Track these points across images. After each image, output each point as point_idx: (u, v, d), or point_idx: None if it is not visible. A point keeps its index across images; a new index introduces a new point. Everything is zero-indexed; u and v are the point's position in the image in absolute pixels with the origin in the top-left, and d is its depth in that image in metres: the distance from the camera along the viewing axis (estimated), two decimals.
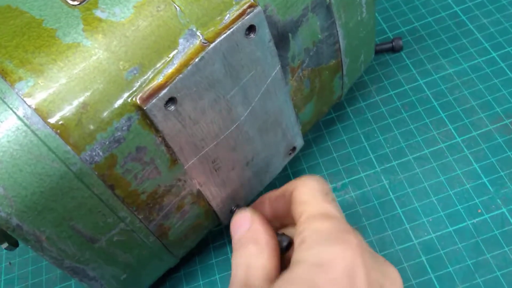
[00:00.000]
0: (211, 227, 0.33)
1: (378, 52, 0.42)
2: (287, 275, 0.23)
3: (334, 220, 0.24)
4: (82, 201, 0.24)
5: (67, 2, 0.24)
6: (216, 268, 0.35)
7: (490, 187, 0.34)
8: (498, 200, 0.33)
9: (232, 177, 0.31)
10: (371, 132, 0.39)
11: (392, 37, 0.43)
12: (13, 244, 0.30)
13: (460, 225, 0.33)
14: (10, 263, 0.40)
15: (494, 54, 0.40)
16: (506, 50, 0.40)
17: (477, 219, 0.33)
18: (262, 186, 0.34)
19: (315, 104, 0.34)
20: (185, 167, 0.27)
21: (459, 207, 0.34)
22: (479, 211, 0.33)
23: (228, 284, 0.34)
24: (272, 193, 0.29)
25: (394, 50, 0.42)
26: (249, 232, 0.27)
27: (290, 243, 0.29)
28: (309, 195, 0.25)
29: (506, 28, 0.41)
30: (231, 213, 0.32)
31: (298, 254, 0.23)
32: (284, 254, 0.28)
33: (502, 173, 0.34)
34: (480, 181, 0.34)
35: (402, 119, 0.39)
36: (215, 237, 0.37)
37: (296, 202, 0.26)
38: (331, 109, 0.41)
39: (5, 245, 0.30)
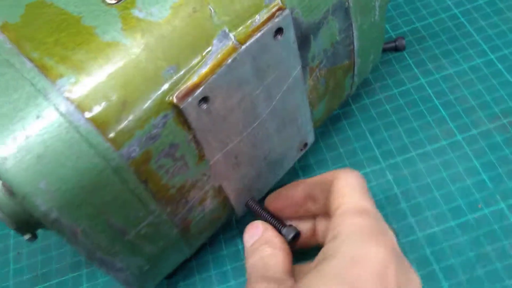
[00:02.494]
0: (226, 220, 0.34)
1: (382, 51, 0.44)
2: (320, 267, 0.24)
3: (371, 218, 0.25)
4: (117, 195, 0.25)
5: (104, 1, 0.24)
6: (227, 260, 0.36)
7: (489, 183, 0.36)
8: (497, 196, 0.35)
9: (251, 171, 0.32)
10: (376, 128, 0.40)
11: (394, 37, 0.45)
12: (34, 235, 0.31)
13: (462, 219, 0.35)
14: (18, 253, 0.40)
15: (492, 56, 0.42)
16: (503, 52, 0.42)
17: (477, 214, 0.35)
18: (276, 180, 0.35)
19: (327, 102, 0.35)
20: (211, 163, 0.28)
21: (460, 202, 0.36)
22: (480, 206, 0.35)
23: (239, 275, 0.35)
24: (310, 178, 0.30)
25: (397, 49, 0.44)
26: (262, 238, 0.30)
27: (297, 235, 0.31)
28: (349, 189, 0.26)
29: (504, 31, 0.43)
30: (246, 205, 0.34)
31: (332, 247, 0.24)
32: (291, 244, 0.30)
33: (500, 170, 0.36)
34: (480, 177, 0.36)
35: (406, 117, 0.40)
36: (225, 229, 0.38)
37: (335, 193, 0.26)
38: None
39: (28, 236, 0.30)
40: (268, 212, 0.33)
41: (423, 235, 0.35)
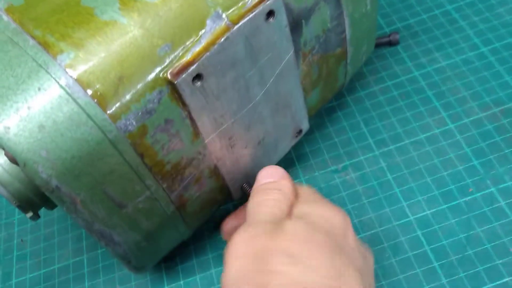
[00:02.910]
0: (222, 203, 0.35)
1: (376, 45, 0.45)
2: (303, 217, 0.28)
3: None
4: (114, 167, 0.26)
5: None
6: (224, 242, 0.37)
7: (480, 169, 0.37)
8: (488, 181, 0.36)
9: (245, 155, 0.33)
10: (370, 119, 0.41)
11: (389, 32, 0.46)
12: (37, 214, 0.32)
13: (453, 203, 0.36)
14: (22, 240, 0.41)
15: (484, 49, 0.43)
16: (495, 45, 0.43)
17: (468, 197, 0.36)
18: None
19: (321, 90, 0.36)
20: (206, 141, 0.29)
21: (452, 186, 0.36)
22: (470, 190, 0.36)
23: None
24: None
25: (391, 44, 0.45)
26: (277, 184, 0.30)
27: None
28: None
29: (495, 26, 0.44)
30: (242, 189, 0.35)
31: (307, 207, 0.28)
32: None
33: (491, 156, 0.37)
34: (471, 163, 0.37)
35: (399, 107, 0.41)
36: (223, 213, 0.39)
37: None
38: (332, 98, 0.43)
39: (30, 214, 0.31)
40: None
41: (415, 218, 0.35)
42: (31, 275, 0.39)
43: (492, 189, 0.36)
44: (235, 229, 0.28)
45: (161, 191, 0.29)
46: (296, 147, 0.41)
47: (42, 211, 0.42)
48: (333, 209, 0.28)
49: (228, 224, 0.35)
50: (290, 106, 0.34)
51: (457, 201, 0.36)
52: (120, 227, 0.28)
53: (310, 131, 0.42)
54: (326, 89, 0.37)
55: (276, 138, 0.35)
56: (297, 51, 0.32)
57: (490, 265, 0.33)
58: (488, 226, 0.34)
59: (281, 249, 0.25)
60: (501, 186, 0.36)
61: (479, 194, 0.36)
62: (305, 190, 0.31)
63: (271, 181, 0.31)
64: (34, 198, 0.30)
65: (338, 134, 0.41)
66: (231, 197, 0.35)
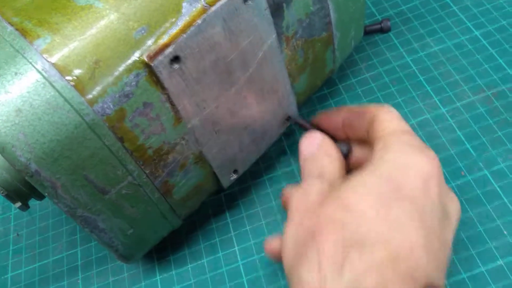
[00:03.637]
0: (212, 191, 0.35)
1: (368, 33, 0.45)
2: (370, 168, 0.25)
3: (416, 137, 0.27)
4: (94, 151, 0.26)
5: None
6: (216, 232, 0.37)
7: (472, 152, 0.36)
8: (480, 163, 0.36)
9: (231, 141, 0.33)
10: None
11: (381, 19, 0.46)
12: (25, 204, 0.32)
13: None
14: (18, 234, 0.42)
15: (476, 33, 0.43)
16: (487, 29, 0.43)
17: (461, 181, 0.35)
18: (259, 153, 0.36)
19: (309, 76, 0.36)
20: (188, 126, 0.29)
21: (444, 170, 0.36)
22: (463, 173, 0.35)
23: (227, 247, 0.36)
24: (352, 107, 0.31)
25: (382, 30, 0.45)
26: (321, 149, 0.30)
27: (350, 151, 0.31)
28: (393, 117, 0.28)
29: (488, 9, 0.44)
30: (231, 178, 0.35)
31: (380, 154, 0.26)
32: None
33: (483, 139, 0.37)
34: (463, 147, 0.37)
35: (391, 93, 0.41)
36: (214, 202, 0.39)
37: (379, 120, 0.28)
38: (324, 86, 0.43)
39: (18, 204, 0.32)
40: (318, 128, 0.33)
41: None
42: (26, 268, 0.39)
43: (485, 171, 0.35)
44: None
45: (144, 177, 0.29)
46: (289, 136, 0.41)
47: (38, 205, 0.42)
48: (416, 153, 0.25)
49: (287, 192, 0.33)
50: (277, 91, 0.34)
51: (449, 185, 0.35)
52: (104, 213, 0.28)
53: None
54: (314, 74, 0.37)
55: (263, 124, 0.34)
56: (279, 35, 0.32)
57: (483, 248, 0.32)
58: (481, 209, 0.34)
59: (336, 198, 0.25)
60: (494, 168, 0.35)
61: (471, 177, 0.35)
62: (389, 118, 0.28)
63: (316, 148, 0.30)
64: (21, 187, 0.30)
65: None
66: (220, 185, 0.35)
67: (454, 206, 0.26)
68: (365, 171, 0.26)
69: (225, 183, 0.34)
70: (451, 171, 0.36)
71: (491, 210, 0.34)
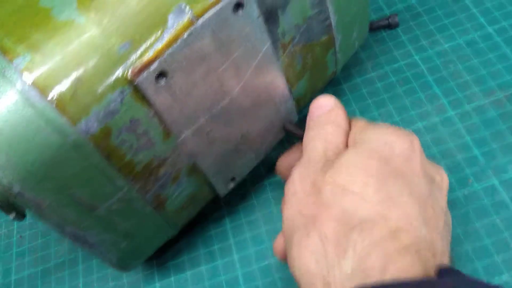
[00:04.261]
0: (208, 199, 0.34)
1: (374, 29, 0.43)
2: (356, 146, 0.27)
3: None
4: (80, 170, 0.25)
5: None
6: (215, 239, 0.37)
7: (481, 159, 0.35)
8: (489, 171, 0.34)
9: (227, 150, 0.32)
10: (366, 107, 0.39)
11: (389, 14, 0.44)
12: (21, 214, 0.32)
13: (451, 195, 0.34)
14: (21, 236, 0.42)
15: (489, 29, 0.40)
16: (501, 24, 0.40)
17: (468, 189, 0.34)
18: (258, 159, 0.35)
19: (308, 80, 0.35)
20: (179, 139, 0.28)
21: (450, 177, 0.34)
22: (470, 181, 0.34)
23: (226, 255, 0.35)
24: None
25: (390, 26, 0.43)
26: (330, 115, 0.30)
27: None
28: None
29: (502, 3, 0.41)
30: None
31: (366, 133, 0.27)
32: None
33: (494, 146, 0.35)
34: (472, 153, 0.35)
35: (397, 94, 0.39)
36: (214, 210, 0.38)
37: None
38: (328, 86, 0.41)
39: (13, 214, 0.31)
40: None
41: None
42: (29, 271, 0.40)
43: (495, 180, 0.34)
44: (291, 166, 0.29)
45: (135, 192, 0.28)
46: (291, 138, 0.40)
47: None
48: (394, 133, 0.27)
49: (284, 162, 0.34)
50: (274, 98, 0.32)
51: (455, 193, 0.34)
52: (94, 229, 0.28)
53: (304, 122, 0.40)
54: (314, 78, 0.35)
55: (261, 131, 0.33)
56: (275, 42, 0.30)
57: (489, 260, 0.31)
58: (487, 220, 0.32)
59: (331, 181, 0.25)
60: (504, 177, 0.34)
61: (479, 186, 0.34)
62: (360, 120, 0.30)
63: (324, 113, 0.30)
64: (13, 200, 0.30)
65: None
66: (217, 193, 0.34)
67: (440, 174, 0.27)
68: (352, 150, 0.26)
69: (222, 191, 0.34)
70: (458, 179, 0.34)
71: (498, 221, 0.32)
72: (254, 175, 0.38)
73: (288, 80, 0.33)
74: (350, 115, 0.39)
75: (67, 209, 0.26)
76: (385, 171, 0.25)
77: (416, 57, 0.41)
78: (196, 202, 0.33)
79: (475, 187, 0.34)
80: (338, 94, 0.41)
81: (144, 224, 0.30)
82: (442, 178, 0.27)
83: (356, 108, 0.39)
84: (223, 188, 0.34)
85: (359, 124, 0.29)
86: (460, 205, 0.33)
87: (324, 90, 0.41)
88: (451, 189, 0.34)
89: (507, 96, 0.37)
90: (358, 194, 0.24)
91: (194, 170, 0.31)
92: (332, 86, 0.41)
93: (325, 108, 0.30)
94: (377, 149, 0.26)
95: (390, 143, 0.26)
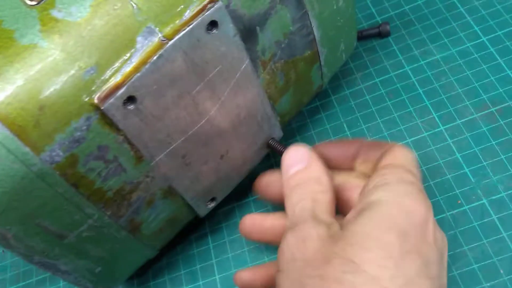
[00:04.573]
0: (188, 220, 0.33)
1: (365, 37, 0.42)
2: (370, 212, 0.24)
3: (416, 178, 0.25)
4: (46, 200, 0.24)
5: (25, 3, 0.24)
6: (197, 258, 0.36)
7: (471, 178, 0.33)
8: (479, 191, 0.33)
9: (206, 170, 0.31)
10: (354, 121, 0.38)
11: (380, 22, 0.42)
12: None
13: (439, 216, 0.32)
14: (3, 251, 0.41)
15: (484, 39, 0.39)
16: (496, 34, 0.39)
17: (456, 210, 0.32)
18: (241, 178, 0.34)
19: (292, 95, 0.34)
20: (152, 164, 0.27)
21: (439, 197, 0.33)
22: (459, 202, 0.33)
23: (208, 275, 0.34)
24: (367, 140, 0.30)
25: (381, 35, 0.41)
26: (310, 171, 0.27)
27: None
28: (404, 154, 0.27)
29: (499, 11, 0.40)
30: (268, 146, 0.33)
31: (381, 194, 0.24)
32: None
33: (484, 163, 0.34)
34: (461, 171, 0.34)
35: (386, 108, 0.38)
36: (196, 227, 0.37)
37: (391, 153, 0.27)
38: (315, 98, 0.40)
39: None
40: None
41: None
42: (11, 287, 0.39)
43: (484, 200, 0.32)
44: (271, 184, 0.28)
45: (106, 218, 0.27)
46: (276, 155, 0.39)
47: None
48: (413, 195, 0.24)
49: (262, 181, 0.32)
50: (255, 116, 0.31)
51: (443, 215, 0.33)
52: (65, 257, 0.27)
53: (291, 134, 0.39)
54: (299, 93, 0.34)
55: (243, 150, 0.32)
56: (254, 60, 0.29)
57: None
58: (476, 244, 0.31)
59: (341, 254, 0.23)
60: (494, 197, 0.32)
61: (468, 206, 0.32)
62: (388, 158, 0.27)
63: (303, 168, 0.27)
64: None
65: (320, 137, 0.38)
66: (197, 214, 0.33)
67: (445, 244, 0.25)
68: (365, 215, 0.24)
69: (202, 212, 0.33)
70: (447, 199, 0.33)
71: (487, 245, 0.31)
72: (238, 191, 0.37)
73: (270, 97, 0.32)
74: (338, 130, 0.38)
75: (34, 238, 0.25)
76: (404, 250, 0.22)
77: (407, 68, 0.39)
78: (175, 223, 0.32)
79: (464, 208, 0.32)
80: (326, 106, 0.39)
81: (119, 248, 0.29)
82: (446, 248, 0.25)
83: (344, 122, 0.38)
84: (203, 209, 0.33)
85: (389, 167, 0.26)
86: (448, 227, 0.32)
87: (312, 102, 0.40)
88: (439, 210, 0.33)
89: (498, 110, 0.35)
90: (373, 275, 0.22)
91: (170, 193, 0.30)
92: (320, 99, 0.40)
93: (301, 165, 0.27)
94: (396, 219, 0.23)
95: (411, 212, 0.23)
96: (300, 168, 0.28)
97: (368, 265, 0.22)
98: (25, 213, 0.24)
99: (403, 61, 0.40)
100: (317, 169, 0.27)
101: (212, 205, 0.33)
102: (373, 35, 0.41)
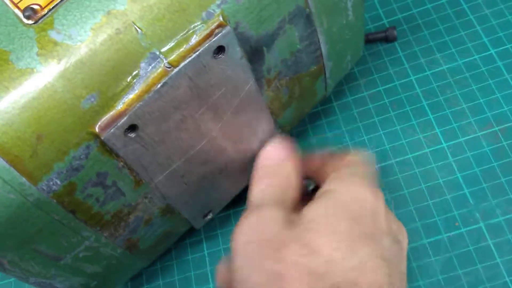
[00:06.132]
0: (184, 231, 0.33)
1: (371, 41, 0.40)
2: (324, 198, 0.25)
3: (368, 173, 0.27)
4: (42, 227, 0.24)
5: (22, 21, 0.22)
6: (192, 265, 0.36)
7: (470, 200, 0.33)
8: (477, 214, 0.33)
9: (205, 186, 0.30)
10: (355, 130, 0.37)
11: (387, 25, 0.41)
12: None
13: (436, 238, 0.33)
14: None
15: (492, 51, 0.38)
16: (505, 47, 0.38)
17: (453, 233, 0.33)
18: (238, 190, 0.33)
19: (295, 108, 0.33)
20: (151, 185, 0.27)
21: (436, 218, 0.33)
22: (457, 224, 0.33)
23: (202, 282, 0.35)
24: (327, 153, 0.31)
25: (387, 40, 0.40)
26: (282, 167, 0.28)
27: (315, 189, 0.29)
28: (360, 155, 0.28)
29: (509, 21, 0.39)
30: (205, 218, 0.32)
31: (334, 184, 0.26)
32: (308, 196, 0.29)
33: (484, 185, 0.33)
34: (461, 192, 0.34)
35: (389, 119, 0.37)
36: (192, 233, 0.37)
37: (350, 154, 0.28)
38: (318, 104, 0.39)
39: None
40: None
41: None
42: None
43: (481, 224, 0.32)
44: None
45: (103, 239, 0.27)
46: None
47: None
48: (366, 187, 0.25)
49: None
50: (256, 132, 0.30)
51: (440, 236, 0.33)
52: (60, 276, 0.27)
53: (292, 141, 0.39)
54: (301, 106, 0.33)
55: (242, 164, 0.31)
56: (259, 79, 0.28)
57: None
58: (471, 268, 0.31)
59: (298, 238, 0.23)
60: (491, 221, 0.32)
61: (465, 229, 0.32)
62: (345, 160, 0.28)
63: (276, 162, 0.29)
64: None
65: (320, 145, 0.38)
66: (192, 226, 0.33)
67: (402, 233, 0.26)
68: (321, 204, 0.25)
69: (198, 225, 0.32)
70: (445, 220, 0.33)
71: (481, 270, 0.31)
72: (235, 198, 0.37)
73: (273, 112, 0.31)
74: (339, 139, 0.37)
75: (30, 262, 0.25)
76: (356, 234, 0.23)
77: (413, 78, 0.38)
78: (171, 236, 0.32)
79: (461, 231, 0.33)
80: (327, 112, 0.39)
81: (115, 263, 0.29)
82: (404, 238, 0.26)
83: (345, 131, 0.38)
84: (199, 222, 0.32)
85: (344, 165, 0.28)
86: (444, 249, 0.32)
87: (314, 107, 0.39)
88: (436, 231, 0.33)
89: (502, 129, 0.35)
90: (327, 257, 0.23)
91: (168, 211, 0.29)
92: (322, 104, 0.39)
93: (276, 160, 0.28)
94: (348, 206, 0.24)
95: (361, 199, 0.25)
96: (274, 162, 0.29)
97: (321, 247, 0.23)
98: (21, 240, 0.24)
99: (408, 69, 0.39)
100: (289, 168, 0.28)
101: (208, 217, 0.33)
102: (379, 39, 0.40)
